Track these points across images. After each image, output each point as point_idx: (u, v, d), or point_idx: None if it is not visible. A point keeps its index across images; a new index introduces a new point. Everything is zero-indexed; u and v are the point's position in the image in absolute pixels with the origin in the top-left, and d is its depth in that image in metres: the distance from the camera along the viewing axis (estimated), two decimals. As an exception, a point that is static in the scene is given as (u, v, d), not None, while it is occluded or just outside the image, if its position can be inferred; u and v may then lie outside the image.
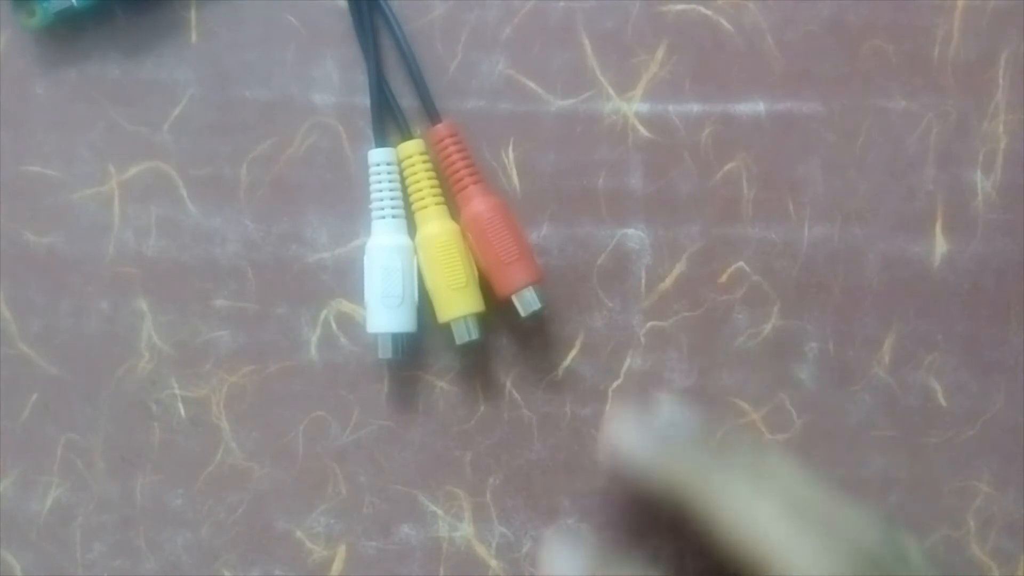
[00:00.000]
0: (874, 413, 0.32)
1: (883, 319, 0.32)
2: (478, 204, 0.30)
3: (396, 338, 0.30)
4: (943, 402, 0.32)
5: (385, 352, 0.30)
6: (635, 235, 0.32)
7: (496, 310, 0.31)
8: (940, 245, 0.32)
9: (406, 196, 0.31)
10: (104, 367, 0.32)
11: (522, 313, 0.30)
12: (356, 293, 0.31)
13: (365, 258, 0.31)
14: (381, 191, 0.31)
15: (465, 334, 0.30)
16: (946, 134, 0.32)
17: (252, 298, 0.32)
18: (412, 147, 0.31)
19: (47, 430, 0.31)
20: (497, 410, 0.31)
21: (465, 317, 0.30)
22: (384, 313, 0.30)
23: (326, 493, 0.31)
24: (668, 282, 0.32)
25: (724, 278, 0.32)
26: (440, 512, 0.31)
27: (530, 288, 0.30)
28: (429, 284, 0.30)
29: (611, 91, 0.32)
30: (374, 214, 0.31)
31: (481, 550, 0.31)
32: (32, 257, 0.32)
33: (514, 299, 0.30)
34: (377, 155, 0.31)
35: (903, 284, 0.32)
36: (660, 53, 0.32)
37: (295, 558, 0.31)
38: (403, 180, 0.31)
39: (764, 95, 0.32)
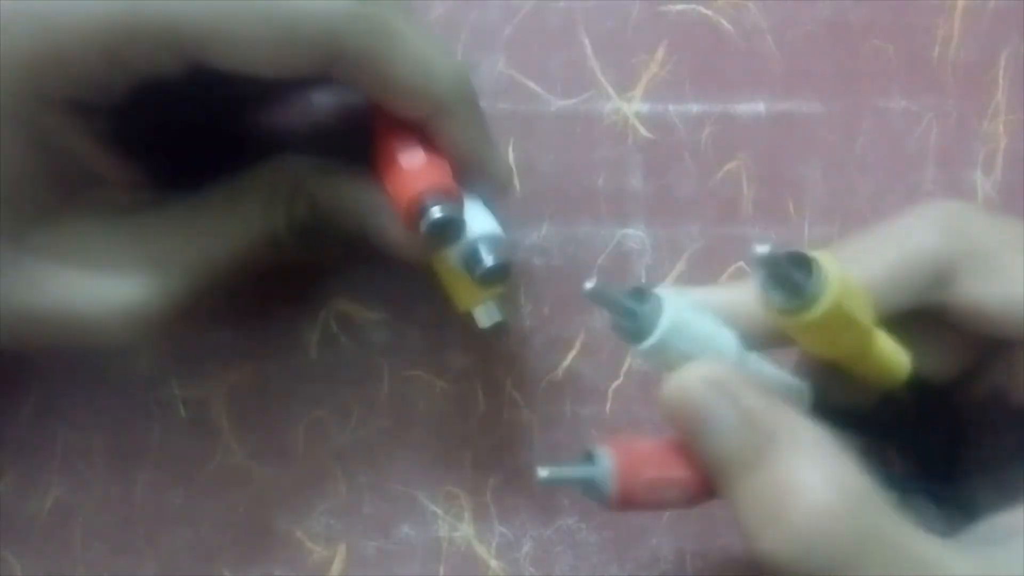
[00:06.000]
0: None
1: (883, 319, 0.32)
2: None
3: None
4: (943, 402, 0.32)
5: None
6: (635, 235, 0.32)
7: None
8: (940, 245, 0.32)
9: None
10: (104, 367, 0.31)
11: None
12: (356, 293, 0.31)
13: None
14: None
15: (487, 318, 0.28)
16: (946, 134, 0.32)
17: (252, 298, 0.32)
18: None
19: (47, 430, 0.31)
20: (497, 410, 0.31)
21: (486, 300, 0.28)
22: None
23: (326, 493, 0.31)
24: (668, 282, 0.32)
25: (724, 278, 0.32)
26: (440, 512, 0.31)
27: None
28: (442, 274, 0.28)
29: (611, 91, 0.32)
30: None
31: (481, 550, 0.31)
32: (32, 257, 0.32)
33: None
34: None
35: (903, 284, 0.32)
36: (660, 53, 0.32)
37: (295, 558, 0.31)
38: None
39: (764, 95, 0.32)
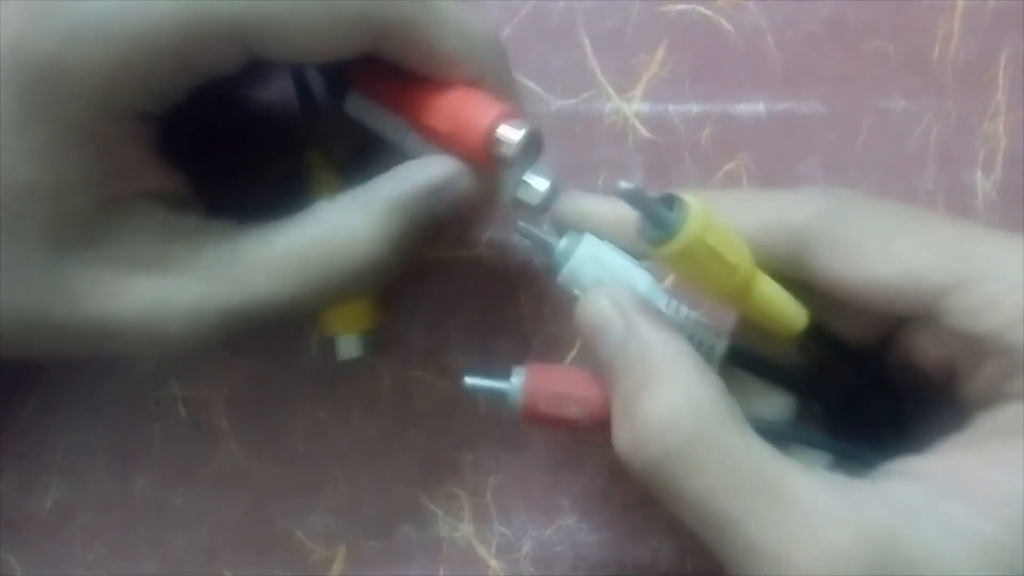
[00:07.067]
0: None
1: (883, 319, 0.32)
2: None
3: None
4: (943, 402, 0.32)
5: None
6: (635, 235, 0.32)
7: (503, 311, 0.31)
8: (940, 245, 0.32)
9: None
10: (104, 367, 0.31)
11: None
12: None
13: None
14: None
15: (347, 351, 0.30)
16: (946, 134, 0.32)
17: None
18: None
19: (47, 430, 0.31)
20: (497, 410, 0.31)
21: (351, 332, 0.30)
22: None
23: (326, 493, 0.31)
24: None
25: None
26: (440, 512, 0.31)
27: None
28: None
29: (611, 91, 0.32)
30: None
31: (481, 550, 0.31)
32: (32, 257, 0.32)
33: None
34: None
35: (903, 284, 0.32)
36: (660, 53, 0.32)
37: (295, 558, 0.31)
38: None
39: (764, 95, 0.32)
